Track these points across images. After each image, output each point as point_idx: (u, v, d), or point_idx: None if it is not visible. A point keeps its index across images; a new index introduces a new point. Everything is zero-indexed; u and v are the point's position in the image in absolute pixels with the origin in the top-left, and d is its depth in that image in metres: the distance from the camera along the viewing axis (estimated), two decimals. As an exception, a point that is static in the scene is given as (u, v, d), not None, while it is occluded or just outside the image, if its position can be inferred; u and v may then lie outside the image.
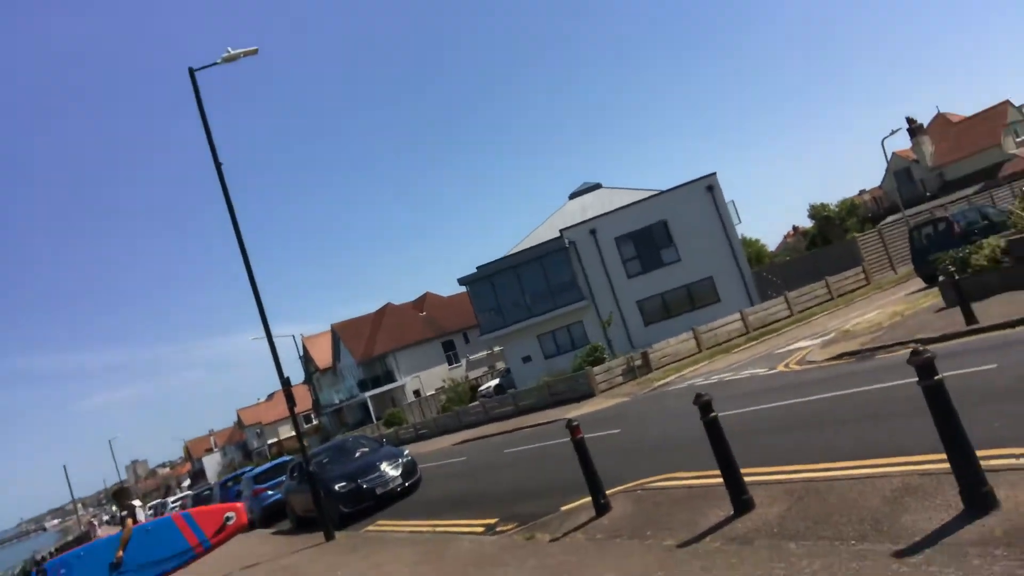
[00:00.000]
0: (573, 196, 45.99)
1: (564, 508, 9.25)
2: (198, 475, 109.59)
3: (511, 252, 41.21)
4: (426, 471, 20.22)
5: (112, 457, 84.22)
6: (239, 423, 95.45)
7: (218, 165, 13.54)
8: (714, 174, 36.06)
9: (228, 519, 10.54)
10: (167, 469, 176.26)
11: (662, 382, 22.90)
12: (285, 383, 13.96)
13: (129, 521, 10.00)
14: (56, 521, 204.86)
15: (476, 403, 38.11)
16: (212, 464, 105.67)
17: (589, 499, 8.58)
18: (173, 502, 60.68)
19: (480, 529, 10.12)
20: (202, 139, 13.62)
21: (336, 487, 15.30)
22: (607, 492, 8.36)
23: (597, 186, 45.66)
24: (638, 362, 26.85)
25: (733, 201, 36.46)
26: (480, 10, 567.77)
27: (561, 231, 37.87)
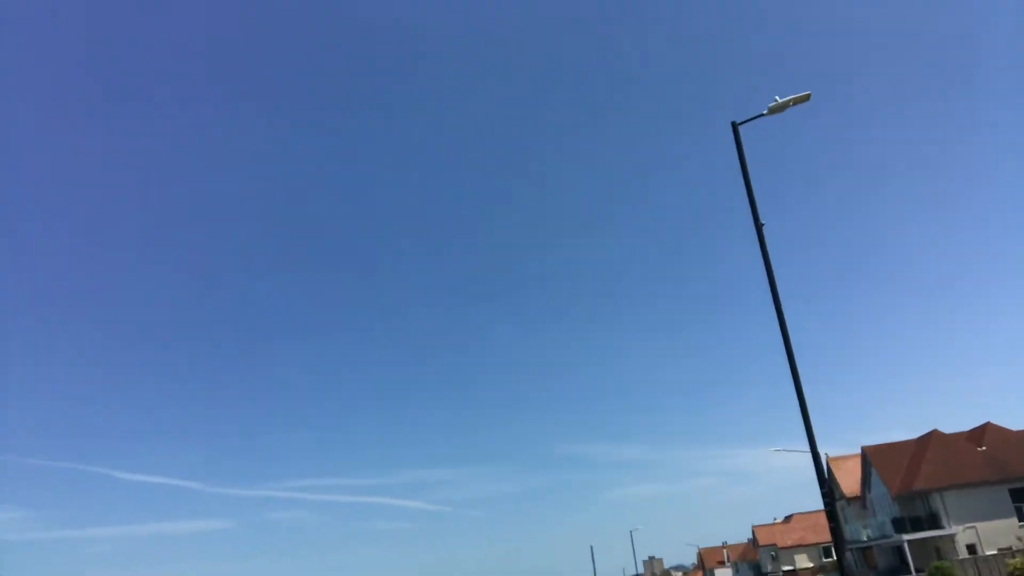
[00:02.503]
0: None
1: None
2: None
3: None
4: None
5: (632, 548, 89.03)
6: (754, 541, 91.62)
7: (759, 226, 12.08)
8: None
9: None
10: (680, 573, 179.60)
11: None
12: (828, 499, 11.27)
13: None
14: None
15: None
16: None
17: None
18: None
19: None
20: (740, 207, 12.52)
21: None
22: None
23: None
24: None
25: None
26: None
27: None
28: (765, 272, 12.64)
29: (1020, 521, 45.93)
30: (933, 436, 53.23)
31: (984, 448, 50.10)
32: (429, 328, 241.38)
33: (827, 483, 11.81)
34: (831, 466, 64.83)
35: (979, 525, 46.65)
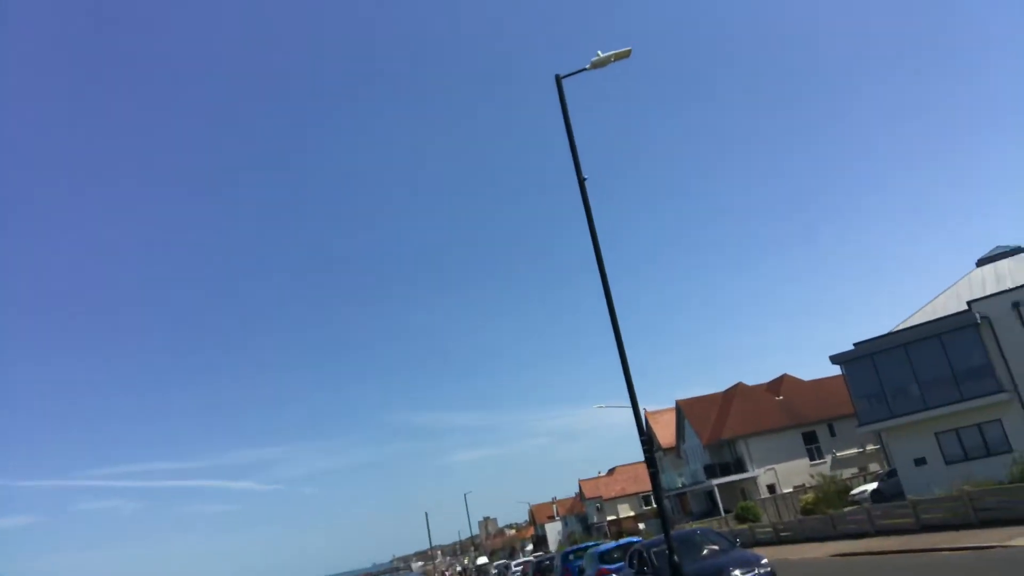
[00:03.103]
0: (982, 262, 37.50)
1: None
2: (540, 541, 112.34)
3: (899, 328, 34.43)
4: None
5: (466, 511, 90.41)
6: (581, 494, 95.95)
7: (581, 181, 11.74)
8: None
9: None
10: (513, 531, 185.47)
11: None
12: (647, 449, 11.24)
13: None
14: (420, 563, 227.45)
15: (855, 508, 31.59)
16: (553, 532, 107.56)
17: None
18: (516, 565, 61.61)
19: None
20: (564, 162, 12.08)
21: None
22: None
23: (1018, 250, 36.60)
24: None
25: None
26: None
27: (970, 304, 30.51)
28: (588, 230, 12.33)
29: (811, 461, 50.98)
30: (738, 388, 57.74)
31: (781, 397, 55.02)
32: (261, 304, 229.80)
33: (646, 435, 11.83)
34: (649, 420, 68.72)
35: (777, 467, 51.30)
